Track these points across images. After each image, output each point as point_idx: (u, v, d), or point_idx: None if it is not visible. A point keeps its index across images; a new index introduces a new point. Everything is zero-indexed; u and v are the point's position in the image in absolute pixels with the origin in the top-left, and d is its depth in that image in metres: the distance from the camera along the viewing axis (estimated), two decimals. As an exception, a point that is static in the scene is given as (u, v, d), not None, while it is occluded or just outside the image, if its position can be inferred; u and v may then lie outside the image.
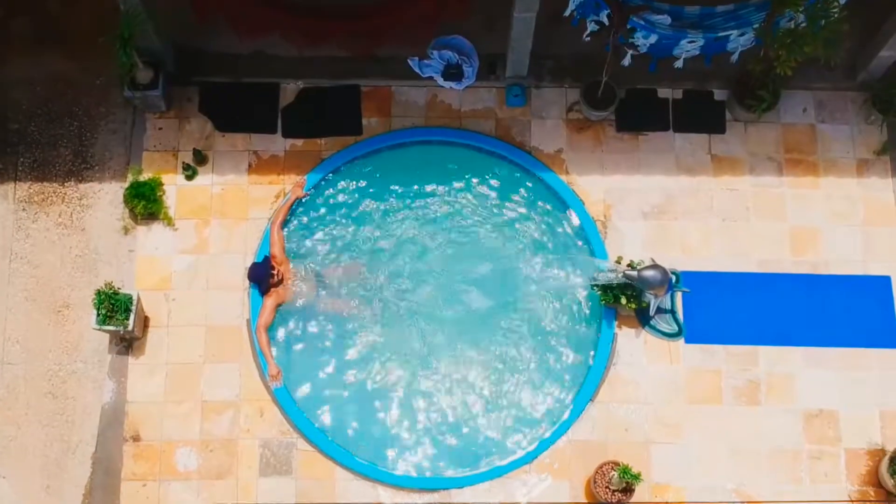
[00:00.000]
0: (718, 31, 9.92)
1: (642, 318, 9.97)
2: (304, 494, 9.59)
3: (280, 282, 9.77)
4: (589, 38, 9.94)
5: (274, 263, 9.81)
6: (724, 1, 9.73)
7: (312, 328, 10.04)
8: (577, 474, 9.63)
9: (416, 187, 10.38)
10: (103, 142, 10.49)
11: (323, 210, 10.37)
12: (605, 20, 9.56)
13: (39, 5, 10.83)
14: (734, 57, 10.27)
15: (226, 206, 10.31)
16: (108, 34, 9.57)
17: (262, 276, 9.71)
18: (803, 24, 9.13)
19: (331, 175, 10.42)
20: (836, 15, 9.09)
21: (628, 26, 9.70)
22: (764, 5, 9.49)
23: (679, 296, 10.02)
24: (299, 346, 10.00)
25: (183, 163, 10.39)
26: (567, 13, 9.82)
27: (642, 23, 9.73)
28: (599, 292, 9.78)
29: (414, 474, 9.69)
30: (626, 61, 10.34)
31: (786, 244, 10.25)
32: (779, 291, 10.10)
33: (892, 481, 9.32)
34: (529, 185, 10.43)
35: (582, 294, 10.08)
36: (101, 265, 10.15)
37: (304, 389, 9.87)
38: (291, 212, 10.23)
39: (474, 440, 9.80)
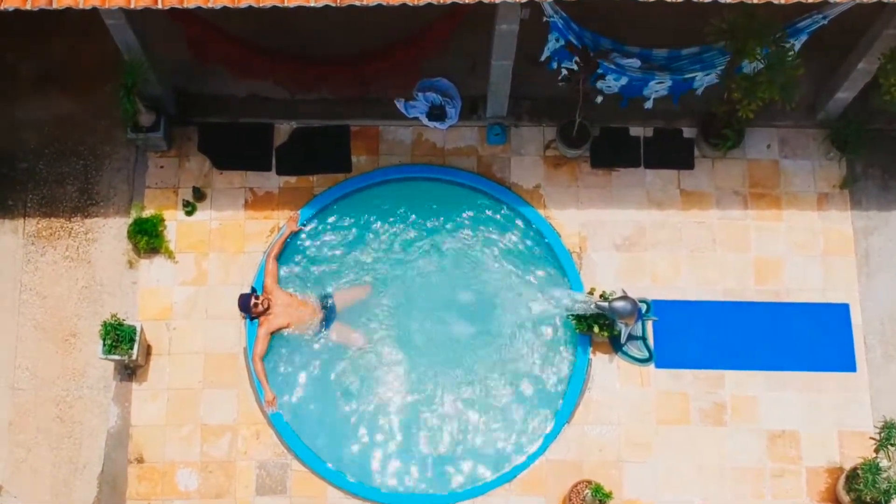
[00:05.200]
0: (685, 73, 10.44)
1: (615, 345, 10.51)
2: (297, 512, 10.13)
3: (266, 310, 10.33)
4: (562, 83, 10.51)
5: (264, 293, 10.39)
6: (690, 43, 10.29)
7: (307, 355, 10.54)
8: (553, 492, 10.16)
9: (402, 222, 10.89)
10: (108, 179, 11.00)
11: (315, 243, 10.87)
12: (576, 67, 10.11)
13: (46, 49, 11.34)
14: (699, 91, 10.78)
15: (223, 240, 10.82)
16: (111, 82, 10.10)
17: (245, 306, 10.34)
18: (761, 70, 9.65)
19: (323, 210, 10.92)
20: (791, 62, 9.64)
21: (599, 71, 10.28)
22: (726, 50, 10.03)
23: (649, 323, 10.55)
24: (294, 372, 10.50)
25: (183, 199, 10.91)
26: (543, 58, 10.39)
27: (613, 67, 10.27)
28: (574, 321, 10.32)
29: (401, 493, 10.21)
30: (599, 99, 10.88)
31: (750, 274, 10.77)
32: (743, 319, 10.62)
33: (848, 498, 9.86)
34: (509, 218, 10.95)
35: (558, 323, 10.61)
36: (106, 296, 10.65)
37: (298, 413, 10.37)
38: (286, 244, 10.75)
39: (458, 460, 10.33)
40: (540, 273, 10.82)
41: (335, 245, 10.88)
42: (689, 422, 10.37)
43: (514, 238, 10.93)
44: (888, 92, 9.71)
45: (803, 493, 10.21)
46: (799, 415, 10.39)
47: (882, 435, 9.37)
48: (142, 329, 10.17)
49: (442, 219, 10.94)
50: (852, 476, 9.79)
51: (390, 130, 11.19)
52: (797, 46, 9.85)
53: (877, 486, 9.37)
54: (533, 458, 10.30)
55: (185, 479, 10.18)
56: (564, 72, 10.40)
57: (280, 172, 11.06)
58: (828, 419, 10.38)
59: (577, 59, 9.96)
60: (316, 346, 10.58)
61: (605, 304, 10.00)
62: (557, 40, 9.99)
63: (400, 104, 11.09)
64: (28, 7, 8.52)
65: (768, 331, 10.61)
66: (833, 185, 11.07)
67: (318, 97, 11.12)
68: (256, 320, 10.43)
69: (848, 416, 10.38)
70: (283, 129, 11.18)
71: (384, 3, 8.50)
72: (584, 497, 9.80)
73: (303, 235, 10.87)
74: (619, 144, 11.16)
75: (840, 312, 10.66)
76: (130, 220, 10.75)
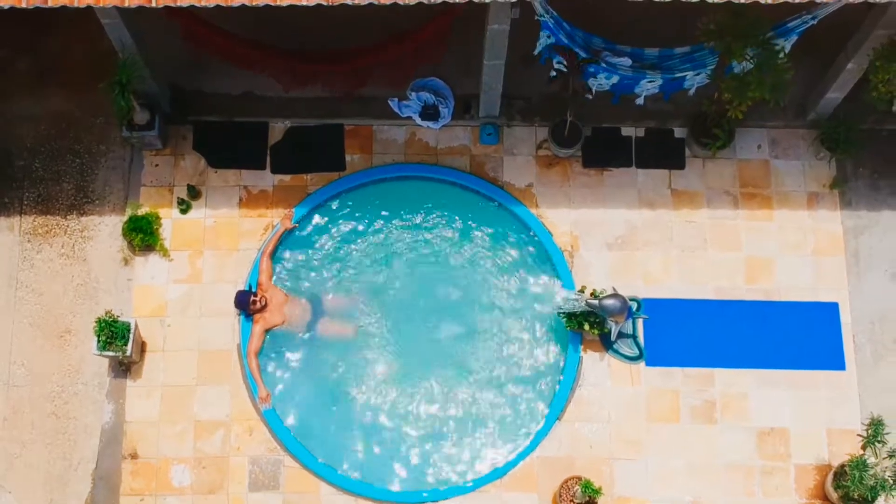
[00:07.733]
0: (675, 73, 10.50)
1: (606, 343, 10.56)
2: (290, 508, 10.18)
3: (263, 308, 10.41)
4: (553, 77, 10.54)
5: (259, 291, 10.46)
6: (681, 43, 10.35)
7: (299, 352, 10.61)
8: (544, 489, 10.21)
9: (395, 220, 10.97)
10: (103, 177, 11.07)
11: (309, 241, 10.94)
12: (563, 67, 10.18)
13: (42, 47, 11.41)
14: (691, 92, 10.84)
15: (218, 238, 10.88)
16: (106, 80, 10.12)
17: (243, 303, 10.40)
18: (751, 70, 9.71)
19: (317, 208, 10.98)
20: (781, 62, 9.70)
21: (590, 70, 10.34)
22: (715, 50, 10.07)
23: (640, 322, 10.62)
24: (287, 369, 10.57)
25: (178, 197, 10.97)
26: (536, 52, 10.43)
27: (604, 66, 10.33)
28: (565, 319, 10.37)
29: (393, 489, 10.28)
30: (589, 97, 10.87)
31: (741, 273, 10.83)
32: (734, 317, 10.68)
33: (836, 494, 9.92)
34: (501, 218, 11.01)
35: (549, 321, 10.67)
36: (102, 293, 10.71)
37: (291, 410, 10.44)
38: (280, 242, 10.82)
39: (449, 456, 10.39)
40: (531, 271, 10.88)
41: (329, 243, 10.94)
42: (680, 419, 10.42)
43: (505, 237, 10.99)
44: (876, 88, 9.76)
45: (792, 490, 10.26)
46: (788, 412, 10.44)
47: (869, 432, 9.42)
48: (136, 326, 10.23)
49: (434, 217, 11.00)
50: (840, 473, 9.85)
51: (384, 130, 11.25)
52: (787, 47, 9.90)
53: (864, 482, 9.42)
54: (524, 454, 10.36)
55: (178, 475, 10.24)
56: (554, 70, 10.45)
57: (274, 171, 11.12)
58: (817, 417, 10.44)
59: (564, 59, 10.03)
60: (309, 343, 10.64)
61: (596, 301, 10.05)
62: (549, 37, 10.04)
63: (393, 104, 11.16)
64: (24, 5, 8.59)
65: (758, 329, 10.66)
66: (823, 184, 11.12)
67: (313, 96, 11.18)
68: (251, 317, 10.49)
69: (837, 414, 10.43)
70: (278, 128, 11.24)
71: (375, 2, 8.56)
72: (575, 493, 9.86)
73: (296, 233, 10.92)
74: (610, 144, 11.22)
75: (829, 311, 10.71)
76: (126, 218, 10.81)
